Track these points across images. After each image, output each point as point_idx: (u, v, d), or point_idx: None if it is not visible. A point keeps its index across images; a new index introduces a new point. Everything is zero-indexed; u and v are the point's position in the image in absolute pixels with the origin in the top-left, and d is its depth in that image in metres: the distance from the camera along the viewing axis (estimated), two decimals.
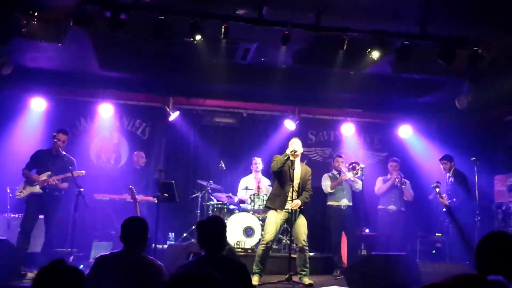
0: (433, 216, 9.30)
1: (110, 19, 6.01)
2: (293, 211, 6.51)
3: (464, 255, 7.45)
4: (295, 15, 6.39)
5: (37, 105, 8.73)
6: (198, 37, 6.40)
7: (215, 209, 8.56)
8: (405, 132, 10.00)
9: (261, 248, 6.59)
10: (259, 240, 7.58)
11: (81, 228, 6.99)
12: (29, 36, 6.42)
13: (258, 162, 9.07)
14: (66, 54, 7.63)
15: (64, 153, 7.20)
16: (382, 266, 5.81)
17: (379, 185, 8.61)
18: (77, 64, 8.33)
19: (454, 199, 7.96)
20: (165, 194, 7.11)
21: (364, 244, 8.58)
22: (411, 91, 8.97)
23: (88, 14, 5.96)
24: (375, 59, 6.94)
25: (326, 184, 8.21)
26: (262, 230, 7.52)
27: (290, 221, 6.61)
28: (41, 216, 7.21)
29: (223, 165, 8.99)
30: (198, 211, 8.69)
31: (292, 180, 6.51)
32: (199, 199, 8.75)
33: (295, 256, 6.64)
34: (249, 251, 7.93)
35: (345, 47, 6.67)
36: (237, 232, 8.11)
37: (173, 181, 7.56)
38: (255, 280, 6.30)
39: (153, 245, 6.69)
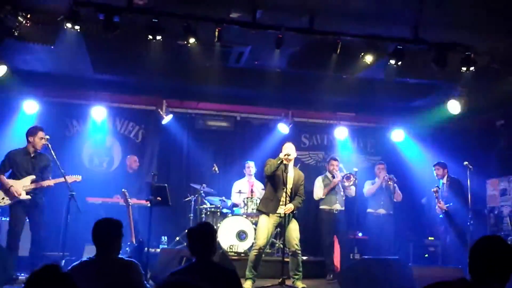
0: (426, 220, 9.33)
1: (103, 22, 5.99)
2: (286, 215, 6.49)
3: (463, 259, 7.45)
4: (289, 19, 6.39)
5: (29, 108, 8.67)
6: (191, 40, 6.39)
7: (208, 213, 8.54)
8: (398, 136, 10.03)
9: (253, 253, 6.56)
10: (252, 244, 7.56)
11: (73, 231, 6.91)
12: (22, 38, 6.37)
13: (251, 166, 9.07)
14: (58, 56, 7.58)
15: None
16: (375, 270, 5.81)
17: (368, 187, 8.63)
18: (69, 67, 8.27)
19: (451, 204, 7.97)
20: (158, 198, 7.07)
21: (357, 248, 8.59)
22: (404, 95, 9.00)
23: (81, 15, 5.93)
24: (369, 63, 6.96)
25: (318, 191, 8.20)
26: (255, 234, 7.50)
27: (282, 225, 6.60)
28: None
29: (217, 169, 8.97)
30: (191, 215, 8.66)
31: (285, 185, 6.49)
32: (192, 202, 8.72)
33: (288, 260, 6.62)
34: (242, 254, 7.91)
35: (338, 51, 6.69)
36: (230, 236, 8.09)
37: (166, 185, 7.54)
38: (248, 285, 6.29)
39: (146, 248, 6.65)
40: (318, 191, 8.19)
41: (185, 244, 8.15)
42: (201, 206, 8.64)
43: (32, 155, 6.80)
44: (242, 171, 9.25)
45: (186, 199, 8.89)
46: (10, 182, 6.64)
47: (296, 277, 6.54)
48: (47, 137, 6.74)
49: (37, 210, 6.76)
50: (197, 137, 9.81)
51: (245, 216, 8.34)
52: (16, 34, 6.16)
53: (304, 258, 7.24)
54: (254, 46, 7.32)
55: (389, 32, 6.63)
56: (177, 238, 8.57)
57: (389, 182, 8.44)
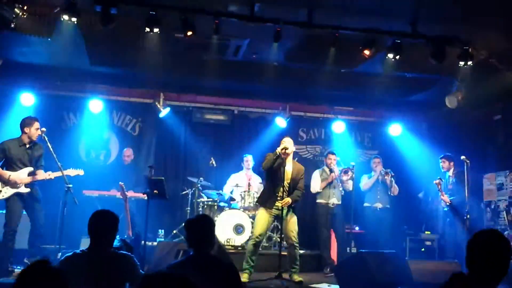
0: (423, 214, 9.35)
1: (100, 14, 5.96)
2: (283, 208, 6.50)
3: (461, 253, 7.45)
4: (287, 12, 6.37)
5: (26, 100, 8.63)
6: (189, 33, 6.37)
7: (205, 206, 8.54)
8: (396, 130, 10.04)
9: (250, 243, 6.59)
10: (249, 237, 7.57)
11: (70, 224, 6.90)
12: (18, 30, 6.33)
13: (249, 160, 9.07)
14: (55, 48, 7.53)
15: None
16: (371, 264, 5.81)
17: (365, 181, 8.64)
18: (66, 59, 8.21)
19: (456, 196, 7.93)
20: (155, 191, 7.06)
21: (354, 242, 8.61)
22: (401, 90, 9.00)
23: (78, 7, 5.90)
24: (366, 57, 6.95)
25: (315, 184, 8.20)
26: (252, 227, 7.51)
27: (280, 218, 6.61)
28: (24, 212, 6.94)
29: (214, 162, 8.96)
30: (188, 208, 8.67)
31: (283, 179, 6.51)
32: (189, 196, 8.72)
33: (285, 253, 6.64)
34: (239, 248, 7.91)
35: (336, 45, 6.68)
36: (227, 229, 8.10)
37: (163, 178, 7.52)
38: (244, 277, 6.29)
39: (143, 241, 6.66)
40: (315, 184, 8.19)
41: (182, 237, 8.17)
42: (198, 200, 8.63)
43: (27, 146, 6.71)
44: (240, 165, 9.24)
45: (183, 193, 8.89)
46: (7, 173, 6.55)
47: (293, 270, 6.56)
48: (44, 129, 6.67)
49: (36, 203, 6.72)
50: (194, 130, 9.79)
51: (242, 209, 8.34)
52: (12, 26, 6.11)
53: (301, 251, 7.26)
54: (252, 39, 7.30)
55: (387, 26, 6.61)
56: (174, 231, 8.57)
57: (386, 176, 8.45)
